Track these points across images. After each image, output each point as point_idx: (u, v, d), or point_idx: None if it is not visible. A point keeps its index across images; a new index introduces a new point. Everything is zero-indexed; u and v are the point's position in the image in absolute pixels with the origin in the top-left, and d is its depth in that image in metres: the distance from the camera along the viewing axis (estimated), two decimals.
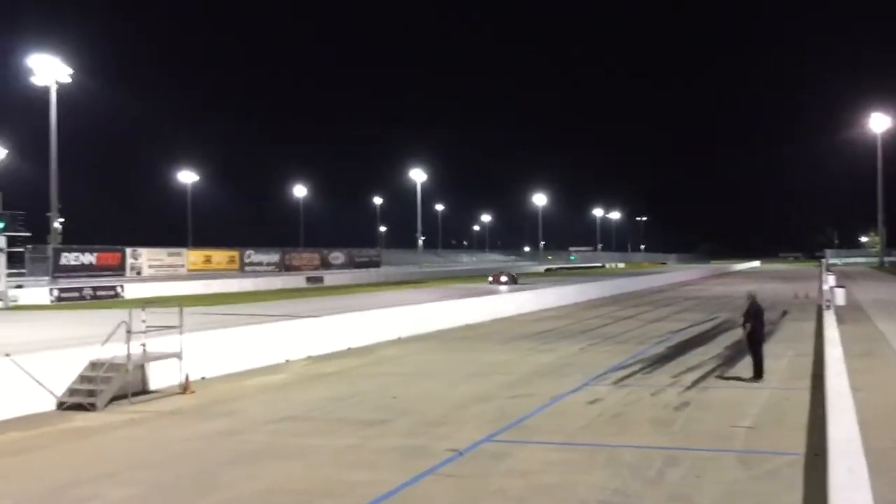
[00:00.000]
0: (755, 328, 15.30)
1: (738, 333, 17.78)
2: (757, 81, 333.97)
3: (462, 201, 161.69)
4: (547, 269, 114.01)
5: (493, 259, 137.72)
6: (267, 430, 11.67)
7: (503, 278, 63.46)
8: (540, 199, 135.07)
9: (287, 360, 18.64)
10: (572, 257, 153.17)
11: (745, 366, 15.98)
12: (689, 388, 14.60)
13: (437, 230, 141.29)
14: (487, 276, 66.93)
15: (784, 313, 31.00)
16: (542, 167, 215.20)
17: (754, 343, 15.32)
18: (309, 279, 69.14)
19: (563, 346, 21.57)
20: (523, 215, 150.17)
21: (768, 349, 16.78)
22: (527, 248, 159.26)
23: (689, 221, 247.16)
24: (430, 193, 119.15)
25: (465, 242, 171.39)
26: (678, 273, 79.14)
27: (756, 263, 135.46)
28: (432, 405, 13.31)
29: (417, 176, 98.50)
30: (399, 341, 22.74)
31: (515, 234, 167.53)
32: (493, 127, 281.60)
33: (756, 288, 20.06)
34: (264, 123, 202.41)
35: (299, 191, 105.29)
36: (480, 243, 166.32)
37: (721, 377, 15.80)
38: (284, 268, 79.01)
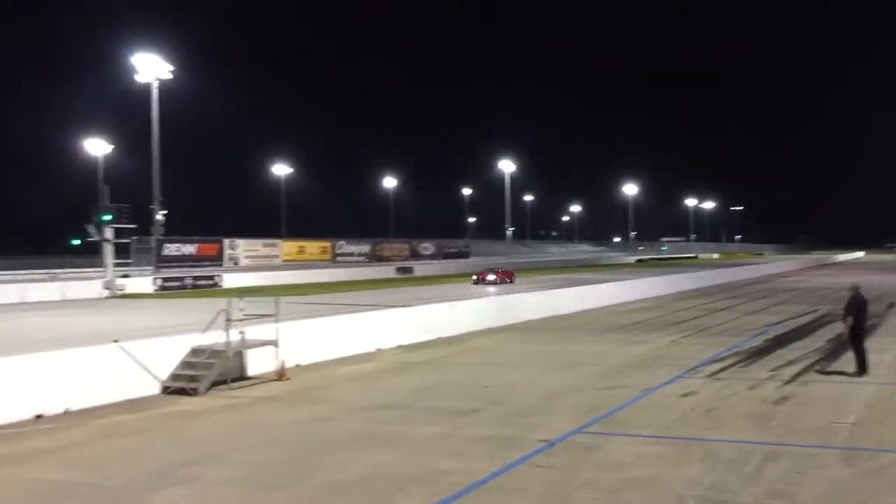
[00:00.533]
0: (857, 321, 14.69)
1: (839, 327, 17.13)
2: (858, 67, 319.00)
3: (552, 192, 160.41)
4: (638, 260, 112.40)
5: (582, 249, 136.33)
6: (360, 417, 11.90)
7: (490, 277, 49.81)
8: (630, 189, 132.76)
9: (378, 349, 18.95)
10: (664, 247, 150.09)
11: (848, 360, 15.36)
12: (788, 382, 14.16)
13: (527, 221, 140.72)
14: (577, 266, 56.04)
15: (890, 306, 29.72)
16: (634, 157, 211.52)
17: (856, 337, 14.72)
18: (399, 269, 69.97)
19: (654, 337, 21.22)
20: (614, 206, 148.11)
21: (873, 343, 16.12)
22: (617, 239, 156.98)
23: (787, 211, 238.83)
24: (520, 184, 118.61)
25: (553, 233, 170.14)
26: (775, 264, 76.69)
27: (860, 254, 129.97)
28: (523, 395, 13.32)
29: (506, 167, 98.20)
30: (488, 331, 22.79)
31: (605, 224, 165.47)
32: (588, 117, 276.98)
33: (860, 280, 19.26)
34: (357, 116, 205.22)
35: (389, 182, 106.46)
36: (569, 234, 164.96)
37: (822, 372, 15.27)
38: (375, 258, 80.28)
